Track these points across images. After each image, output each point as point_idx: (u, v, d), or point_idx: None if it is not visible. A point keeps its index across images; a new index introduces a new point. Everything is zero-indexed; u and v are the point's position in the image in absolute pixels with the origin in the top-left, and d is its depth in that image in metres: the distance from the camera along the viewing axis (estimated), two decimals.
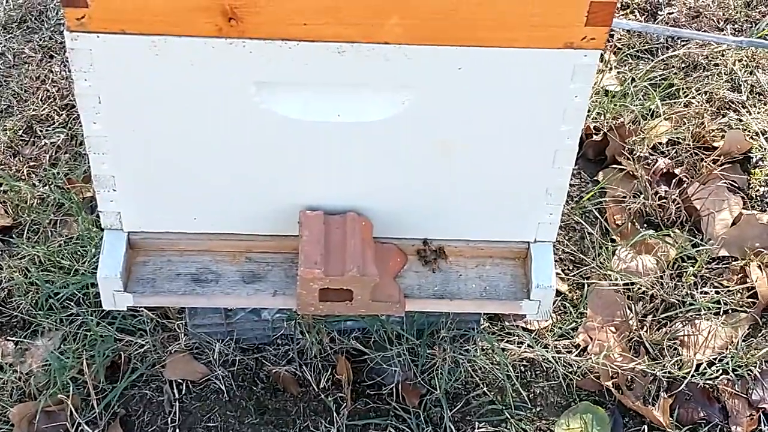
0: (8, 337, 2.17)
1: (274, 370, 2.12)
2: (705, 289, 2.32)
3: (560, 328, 2.23)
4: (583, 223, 2.43)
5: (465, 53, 1.51)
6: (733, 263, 2.37)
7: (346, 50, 1.51)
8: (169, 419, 2.06)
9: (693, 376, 2.15)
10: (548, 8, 1.46)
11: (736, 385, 2.15)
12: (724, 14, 3.03)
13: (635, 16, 3.03)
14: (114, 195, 1.72)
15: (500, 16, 1.47)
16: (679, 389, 2.12)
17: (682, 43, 2.92)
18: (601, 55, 2.79)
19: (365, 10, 1.46)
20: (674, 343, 2.20)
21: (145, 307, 2.14)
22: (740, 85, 2.79)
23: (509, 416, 2.09)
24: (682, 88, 2.77)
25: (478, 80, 1.55)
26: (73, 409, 2.02)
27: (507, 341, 2.19)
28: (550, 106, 1.59)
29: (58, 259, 2.26)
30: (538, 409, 2.12)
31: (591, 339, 2.21)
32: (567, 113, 1.60)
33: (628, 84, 2.75)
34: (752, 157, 2.61)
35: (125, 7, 1.45)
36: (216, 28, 1.47)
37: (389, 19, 1.47)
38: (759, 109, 2.74)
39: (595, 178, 2.55)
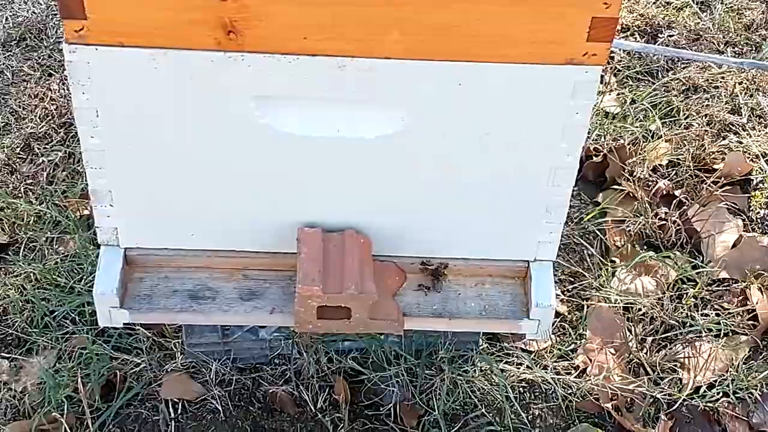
0: (3, 355, 2.15)
1: (271, 390, 2.10)
2: (705, 311, 2.30)
3: (559, 349, 2.21)
4: (583, 243, 2.41)
5: (465, 69, 1.51)
6: (734, 285, 2.36)
7: (346, 65, 1.50)
8: None
9: (693, 398, 2.13)
10: (549, 24, 1.46)
11: (737, 408, 2.13)
12: (724, 37, 3.03)
13: (635, 38, 3.03)
14: (111, 210, 1.71)
15: (501, 31, 1.46)
16: (679, 411, 2.10)
17: (683, 66, 2.92)
18: (602, 76, 2.79)
19: (365, 25, 1.45)
20: (674, 365, 2.18)
21: (141, 326, 2.13)
22: (741, 108, 2.79)
23: None
24: (683, 110, 2.76)
25: (478, 96, 1.54)
26: (67, 428, 1.99)
27: (506, 362, 2.17)
28: (551, 123, 1.58)
29: (54, 276, 2.25)
30: (537, 430, 2.10)
31: (590, 360, 2.19)
32: (567, 130, 1.59)
33: (629, 106, 2.75)
34: (753, 180, 2.61)
35: (124, 20, 1.44)
36: (215, 42, 1.47)
37: (389, 34, 1.46)
38: (759, 131, 2.74)
39: (595, 199, 2.53)
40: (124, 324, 1.79)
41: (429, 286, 1.81)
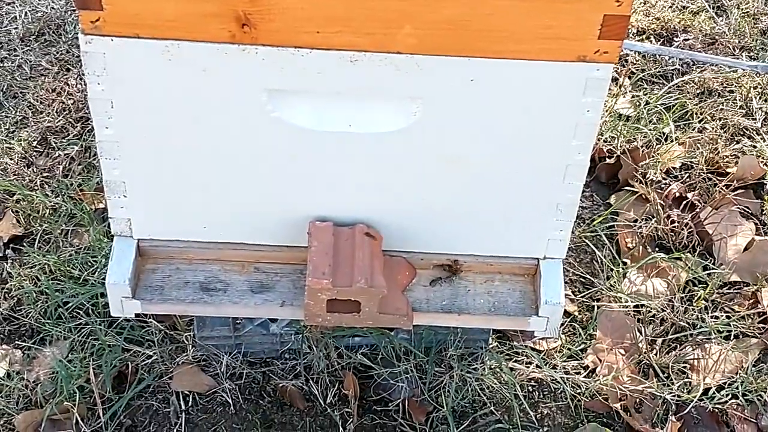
0: (16, 345, 2.17)
1: (281, 384, 2.11)
2: (716, 314, 2.30)
3: (569, 349, 2.22)
4: (595, 245, 2.42)
5: (477, 64, 1.52)
6: (745, 288, 2.36)
7: (358, 59, 1.51)
8: (175, 430, 2.06)
9: (702, 399, 2.13)
10: (561, 21, 1.46)
11: (746, 410, 2.13)
12: (740, 42, 3.03)
13: (651, 41, 3.03)
14: (124, 201, 1.72)
15: (513, 27, 1.47)
16: (688, 413, 2.10)
17: (698, 69, 2.92)
18: (616, 79, 2.80)
19: (378, 19, 1.46)
20: (684, 367, 2.19)
21: (153, 318, 2.14)
22: (755, 112, 2.79)
23: None
24: (697, 114, 2.77)
25: (490, 92, 1.55)
26: (78, 418, 2.01)
27: (515, 361, 2.18)
28: (562, 120, 1.59)
29: (68, 268, 2.26)
30: (545, 429, 2.11)
31: (600, 361, 2.19)
32: (578, 127, 1.60)
33: (642, 108, 2.75)
34: (765, 183, 2.61)
35: (139, 11, 1.46)
36: (229, 35, 1.48)
37: (402, 28, 1.47)
38: None
39: (608, 201, 2.54)
40: (135, 314, 1.81)
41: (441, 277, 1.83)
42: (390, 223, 1.76)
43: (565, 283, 2.23)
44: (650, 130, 2.68)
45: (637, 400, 2.13)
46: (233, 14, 1.46)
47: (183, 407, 2.09)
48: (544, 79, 1.53)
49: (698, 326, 2.26)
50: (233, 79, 1.54)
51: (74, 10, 2.97)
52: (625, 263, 2.39)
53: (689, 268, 2.36)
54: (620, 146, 2.62)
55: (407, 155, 1.65)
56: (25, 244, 2.36)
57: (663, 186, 2.56)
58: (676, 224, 2.45)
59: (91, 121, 2.57)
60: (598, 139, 2.61)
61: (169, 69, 1.52)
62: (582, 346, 2.23)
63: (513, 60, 1.51)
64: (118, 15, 1.46)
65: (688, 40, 3.03)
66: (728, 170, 2.60)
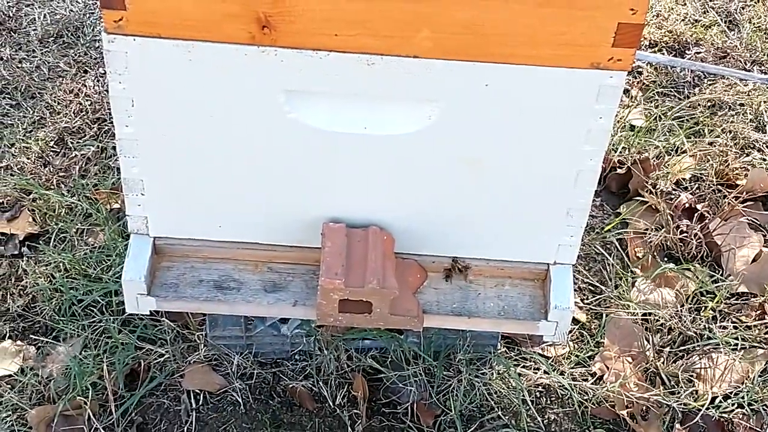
0: (30, 342, 2.19)
1: (291, 385, 2.13)
2: (723, 324, 2.32)
3: (577, 356, 2.23)
4: (604, 253, 2.43)
5: (492, 70, 1.54)
6: (752, 299, 2.37)
7: (375, 62, 1.53)
8: (186, 429, 2.07)
9: (708, 408, 2.14)
10: (576, 27, 1.49)
11: (752, 420, 2.14)
12: (751, 56, 3.05)
13: (663, 54, 3.05)
14: (142, 199, 1.75)
15: (528, 33, 1.49)
16: (694, 421, 2.12)
17: (709, 83, 2.94)
18: (628, 90, 2.82)
19: (396, 22, 1.49)
20: (690, 376, 2.20)
21: (166, 317, 2.16)
22: (765, 125, 2.81)
23: None
24: (708, 126, 2.79)
25: (504, 97, 1.57)
26: (91, 414, 2.03)
27: (523, 366, 2.20)
28: (575, 126, 1.61)
29: (83, 267, 2.29)
30: None
31: (607, 368, 2.21)
32: (591, 134, 1.62)
33: (654, 120, 2.77)
34: None
35: (161, 12, 1.48)
36: (249, 36, 1.51)
37: (419, 32, 1.50)
38: None
39: (618, 210, 2.56)
40: (150, 311, 1.83)
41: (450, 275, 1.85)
42: (402, 225, 1.78)
43: (574, 290, 2.25)
44: (661, 141, 2.70)
45: (644, 407, 2.15)
46: (254, 16, 1.48)
47: (194, 406, 2.10)
48: (558, 85, 1.55)
49: (705, 336, 2.28)
50: (252, 79, 1.56)
51: (92, 13, 3.01)
52: (634, 272, 2.41)
53: (698, 278, 2.38)
54: (631, 157, 2.64)
55: (421, 158, 1.67)
56: (41, 242, 2.39)
57: (673, 197, 2.57)
58: (685, 235, 2.47)
59: (108, 122, 2.64)
60: (610, 150, 2.63)
61: (190, 69, 1.55)
62: (590, 353, 2.24)
63: (527, 66, 1.54)
64: (140, 15, 1.49)
65: (700, 53, 3.05)
66: (738, 182, 2.62)
